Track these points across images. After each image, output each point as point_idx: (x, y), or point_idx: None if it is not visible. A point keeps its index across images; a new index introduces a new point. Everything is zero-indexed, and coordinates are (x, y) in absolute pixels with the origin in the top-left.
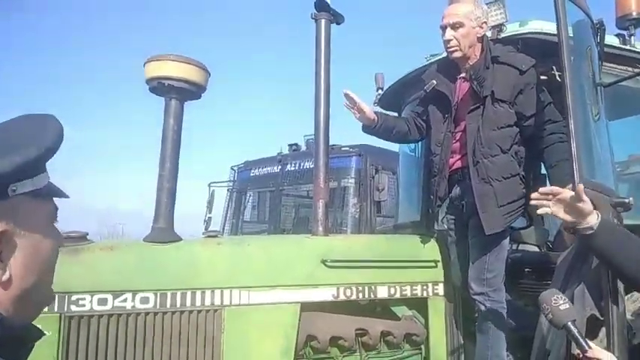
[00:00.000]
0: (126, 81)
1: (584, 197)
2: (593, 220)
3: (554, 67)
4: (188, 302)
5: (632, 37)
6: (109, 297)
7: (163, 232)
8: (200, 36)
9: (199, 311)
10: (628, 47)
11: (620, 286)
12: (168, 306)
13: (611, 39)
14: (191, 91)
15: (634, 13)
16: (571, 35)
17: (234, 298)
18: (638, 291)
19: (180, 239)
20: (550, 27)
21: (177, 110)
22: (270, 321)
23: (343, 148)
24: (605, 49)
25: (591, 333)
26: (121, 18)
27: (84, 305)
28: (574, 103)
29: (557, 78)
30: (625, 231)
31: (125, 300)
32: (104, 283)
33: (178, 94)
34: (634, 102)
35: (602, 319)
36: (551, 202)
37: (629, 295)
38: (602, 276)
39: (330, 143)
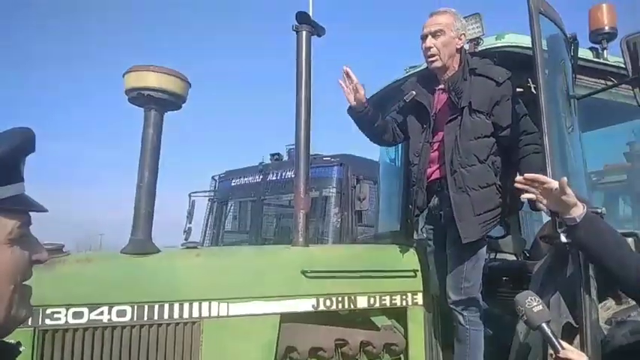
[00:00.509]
0: (105, 91)
1: (568, 190)
2: (578, 211)
3: (529, 80)
4: (166, 315)
5: (605, 51)
6: (85, 310)
7: (141, 243)
8: (182, 47)
9: (177, 324)
10: (601, 60)
11: (594, 294)
12: (145, 319)
13: (584, 52)
14: (171, 101)
15: (606, 28)
16: (545, 49)
17: (213, 310)
18: (617, 283)
19: (159, 251)
20: (525, 41)
21: (157, 121)
22: (250, 333)
23: (325, 158)
24: (579, 63)
25: (566, 340)
26: (102, 29)
27: (59, 319)
28: (548, 115)
29: (533, 90)
30: (607, 225)
31: (102, 313)
32: (80, 295)
33: (158, 104)
34: (607, 114)
35: (577, 326)
36: (537, 190)
37: (602, 304)
38: (576, 285)
39: (312, 153)
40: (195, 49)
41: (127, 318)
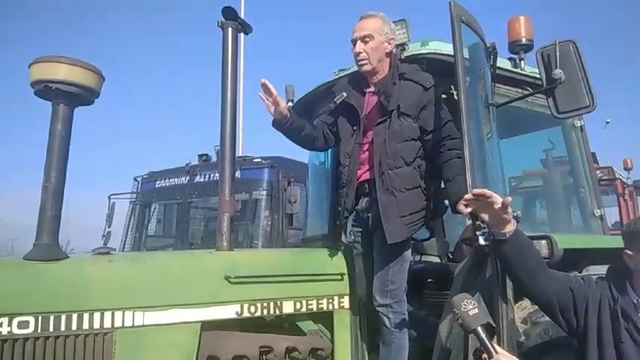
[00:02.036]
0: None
1: (509, 209)
2: (510, 228)
3: (452, 87)
4: (74, 326)
5: (522, 61)
6: None
7: (46, 249)
8: (96, 37)
9: (87, 335)
10: (518, 70)
11: (510, 295)
12: (50, 330)
13: (503, 62)
14: (82, 95)
15: (523, 39)
16: (467, 57)
17: (127, 319)
18: (526, 296)
19: (67, 257)
20: (449, 48)
21: (66, 116)
22: (168, 343)
23: (255, 160)
24: (498, 72)
25: None
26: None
27: None
28: (468, 121)
29: (455, 97)
30: (530, 243)
31: (1, 325)
32: None
33: (67, 98)
34: (524, 122)
35: (494, 326)
36: (478, 203)
37: (518, 304)
38: (494, 286)
39: (243, 154)
40: (111, 39)
41: (30, 330)
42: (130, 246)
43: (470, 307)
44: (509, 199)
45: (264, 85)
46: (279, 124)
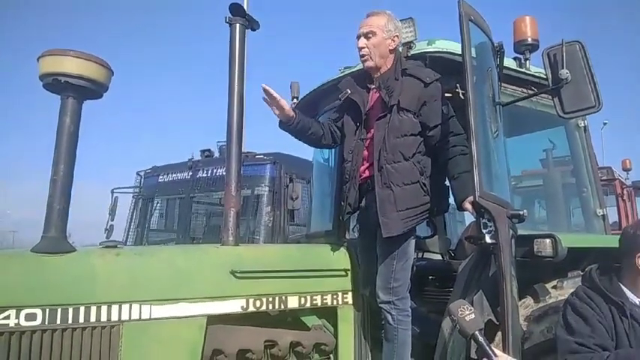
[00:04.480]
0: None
1: None
2: None
3: (457, 85)
4: (81, 318)
5: (528, 61)
6: None
7: (54, 241)
8: (105, 32)
9: (94, 328)
10: (523, 70)
11: (515, 293)
12: (58, 322)
13: (508, 62)
14: (91, 89)
15: (529, 39)
16: (474, 56)
17: (134, 312)
18: None
19: (74, 250)
20: (455, 47)
21: (75, 109)
22: (174, 336)
23: (257, 156)
24: (504, 71)
25: (488, 337)
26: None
27: None
28: (475, 119)
29: (461, 96)
30: None
31: (8, 317)
32: None
33: (76, 92)
34: (527, 121)
35: (498, 323)
36: None
37: (520, 302)
38: (499, 283)
39: (245, 150)
40: (120, 34)
41: (38, 322)
42: (132, 240)
43: (467, 312)
44: None
45: (265, 91)
46: (285, 125)
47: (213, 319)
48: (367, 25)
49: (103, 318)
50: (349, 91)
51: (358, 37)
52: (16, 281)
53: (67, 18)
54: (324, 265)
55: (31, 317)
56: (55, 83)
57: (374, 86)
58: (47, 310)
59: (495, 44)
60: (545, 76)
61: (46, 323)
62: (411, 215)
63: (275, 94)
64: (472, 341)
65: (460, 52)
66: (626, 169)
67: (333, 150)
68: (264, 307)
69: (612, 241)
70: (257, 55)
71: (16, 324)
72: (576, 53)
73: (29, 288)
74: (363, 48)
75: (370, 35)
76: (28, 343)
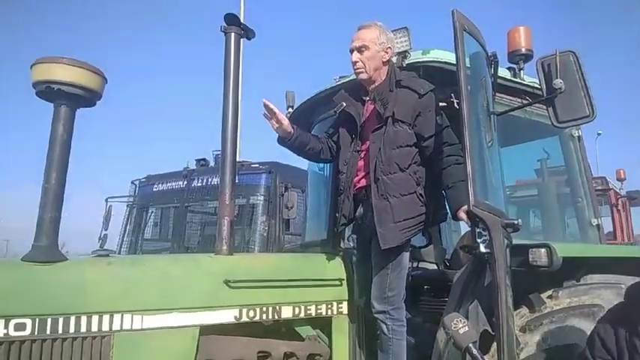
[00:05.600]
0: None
1: None
2: None
3: (452, 95)
4: (71, 328)
5: (522, 71)
6: None
7: (45, 250)
8: (99, 40)
9: (84, 338)
10: (518, 80)
11: (510, 302)
12: (48, 332)
13: (502, 72)
14: (84, 97)
15: (523, 49)
16: (468, 65)
17: (125, 322)
18: None
19: (65, 259)
20: (450, 57)
21: (67, 117)
22: (165, 347)
23: (253, 165)
24: (498, 81)
25: (483, 347)
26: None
27: None
28: (470, 129)
29: (455, 105)
30: None
31: None
32: None
33: (69, 100)
34: (521, 131)
35: (493, 334)
36: None
37: (516, 312)
38: (493, 293)
39: (240, 160)
40: (114, 42)
41: (27, 332)
42: (126, 249)
43: (460, 325)
44: None
45: (266, 106)
46: (283, 140)
47: (205, 330)
48: (359, 38)
49: (94, 328)
50: (344, 104)
51: (351, 51)
52: (5, 290)
53: (66, 24)
54: (319, 274)
55: (20, 327)
56: (47, 91)
57: (369, 98)
58: (37, 319)
59: (489, 54)
60: (539, 86)
61: (36, 333)
62: (409, 226)
63: (275, 109)
64: (467, 354)
65: (455, 62)
66: (620, 180)
67: None
68: (257, 317)
69: (607, 250)
70: (253, 64)
71: (5, 334)
72: (570, 63)
73: (18, 297)
74: (357, 62)
75: (363, 49)
76: (17, 354)
